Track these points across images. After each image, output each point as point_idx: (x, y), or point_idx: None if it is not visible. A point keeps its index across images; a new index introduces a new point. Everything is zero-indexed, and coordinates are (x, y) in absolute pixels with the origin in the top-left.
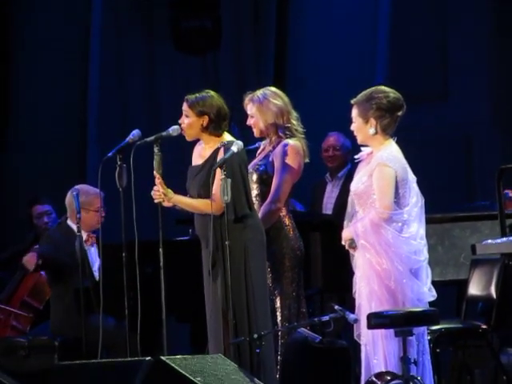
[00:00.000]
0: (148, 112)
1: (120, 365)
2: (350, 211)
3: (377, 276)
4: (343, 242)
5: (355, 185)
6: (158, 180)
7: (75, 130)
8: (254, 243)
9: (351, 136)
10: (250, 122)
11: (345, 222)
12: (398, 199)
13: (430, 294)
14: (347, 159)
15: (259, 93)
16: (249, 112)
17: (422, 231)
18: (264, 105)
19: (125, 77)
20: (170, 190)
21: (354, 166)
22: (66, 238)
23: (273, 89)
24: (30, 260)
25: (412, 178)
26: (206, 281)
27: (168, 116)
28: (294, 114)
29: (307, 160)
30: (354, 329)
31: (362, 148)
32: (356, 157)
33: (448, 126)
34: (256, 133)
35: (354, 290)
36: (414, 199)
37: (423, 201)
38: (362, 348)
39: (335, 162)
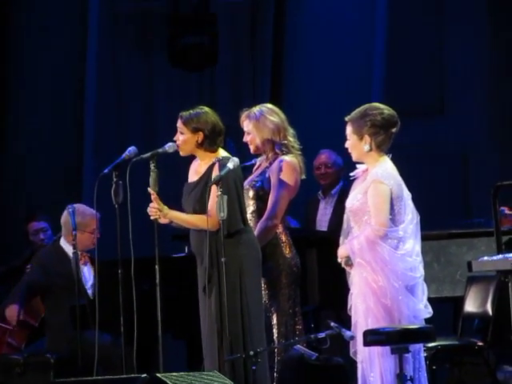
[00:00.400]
0: (145, 128)
1: (116, 381)
2: (345, 228)
3: (373, 293)
4: (339, 260)
5: (350, 202)
6: (153, 196)
7: (72, 146)
8: (249, 260)
9: (345, 153)
10: (246, 138)
11: (340, 239)
12: (393, 216)
13: (426, 311)
14: (339, 176)
15: (256, 109)
16: (245, 129)
17: (418, 248)
18: (261, 121)
19: (122, 93)
20: (165, 207)
21: (348, 183)
22: (56, 259)
23: (269, 105)
24: (11, 315)
25: (407, 194)
26: (201, 297)
27: (165, 132)
28: (291, 130)
29: (304, 176)
30: (349, 346)
31: (357, 165)
32: (351, 174)
33: (444, 142)
34: (252, 149)
35: (348, 307)
36: (410, 216)
37: (419, 218)
38: (359, 365)
39: (327, 179)
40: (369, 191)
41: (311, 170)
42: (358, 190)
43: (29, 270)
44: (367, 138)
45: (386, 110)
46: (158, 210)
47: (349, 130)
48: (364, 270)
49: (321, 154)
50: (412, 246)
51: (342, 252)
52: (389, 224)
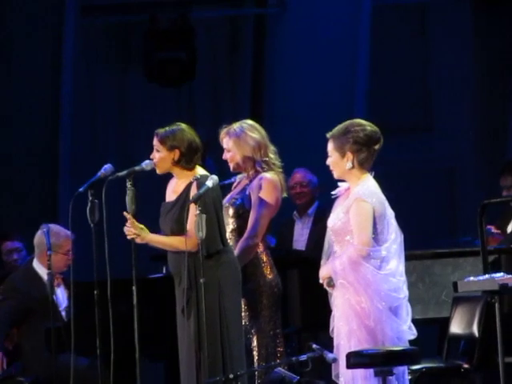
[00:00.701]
0: (121, 145)
1: None
2: (327, 248)
3: (355, 315)
4: (321, 281)
5: (332, 221)
6: (129, 221)
7: (47, 164)
8: (228, 281)
9: (326, 170)
10: (226, 156)
11: (322, 260)
12: (376, 235)
13: (411, 333)
14: (315, 195)
15: (236, 126)
16: (225, 146)
17: (402, 268)
18: (241, 138)
19: (97, 109)
20: (143, 227)
21: (327, 202)
22: (30, 283)
23: (250, 122)
24: None
25: (390, 213)
26: (179, 319)
27: (141, 150)
28: (272, 147)
29: (285, 194)
30: (332, 368)
31: (339, 183)
32: (333, 193)
33: (430, 159)
34: (232, 167)
35: (331, 329)
36: (393, 235)
37: (402, 237)
38: None
39: (303, 198)
40: (351, 210)
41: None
42: (339, 209)
43: (1, 299)
44: (349, 155)
45: (369, 126)
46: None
47: (330, 146)
48: (346, 291)
49: (295, 173)
50: (396, 265)
51: (323, 273)
52: (372, 243)
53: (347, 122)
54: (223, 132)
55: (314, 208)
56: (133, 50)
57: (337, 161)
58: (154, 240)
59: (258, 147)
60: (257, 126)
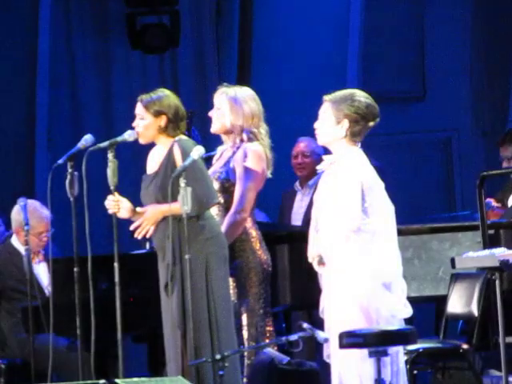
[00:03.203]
0: (102, 115)
1: None
2: (315, 224)
3: (347, 292)
4: (310, 260)
5: (318, 195)
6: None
7: (23, 136)
8: (216, 257)
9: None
10: (212, 113)
11: (311, 236)
12: (364, 208)
13: (406, 311)
14: None
15: (237, 89)
16: (216, 104)
17: (394, 240)
18: (238, 104)
19: (77, 77)
20: (138, 208)
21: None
22: (9, 260)
23: (251, 92)
24: None
25: (379, 184)
26: (163, 297)
27: (123, 119)
28: (265, 125)
29: (270, 173)
30: (323, 349)
31: (324, 157)
32: (317, 167)
33: (426, 129)
34: (216, 128)
35: (321, 309)
36: (383, 207)
37: (393, 208)
38: (333, 369)
39: (304, 170)
40: (339, 183)
41: (280, 162)
42: (326, 182)
43: None
44: (346, 123)
45: (370, 101)
46: (117, 204)
47: (327, 109)
48: (337, 268)
49: (299, 142)
50: (387, 239)
51: (313, 251)
52: (361, 216)
53: (350, 90)
54: (221, 89)
55: (315, 180)
56: (114, 16)
57: (330, 126)
58: (164, 211)
59: (252, 117)
60: (257, 98)
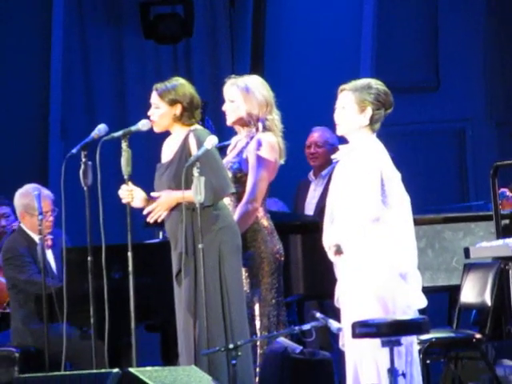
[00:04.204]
0: (115, 105)
1: (85, 377)
2: (330, 212)
3: (365, 283)
4: (327, 249)
5: (335, 185)
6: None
7: (37, 125)
8: (229, 246)
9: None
10: (226, 107)
11: (325, 225)
12: (383, 198)
13: (421, 301)
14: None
15: (246, 79)
16: (228, 97)
17: (412, 231)
18: (250, 92)
19: (90, 67)
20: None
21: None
22: (27, 247)
23: (260, 78)
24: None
25: (397, 175)
26: (176, 287)
27: (137, 109)
28: (277, 111)
29: (282, 161)
30: (338, 338)
31: (341, 146)
32: (333, 157)
33: (439, 119)
34: (232, 120)
35: (336, 298)
36: (400, 198)
37: (409, 199)
38: (347, 359)
39: (317, 159)
40: (358, 171)
41: (295, 151)
42: (343, 171)
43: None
44: (369, 110)
45: (387, 88)
46: (131, 194)
47: (349, 99)
48: (353, 257)
49: (313, 132)
50: (404, 230)
51: (329, 240)
52: (380, 206)
53: (368, 79)
54: (230, 81)
55: (329, 170)
56: (128, 6)
57: (353, 114)
58: (177, 198)
59: (266, 104)
60: (267, 84)
